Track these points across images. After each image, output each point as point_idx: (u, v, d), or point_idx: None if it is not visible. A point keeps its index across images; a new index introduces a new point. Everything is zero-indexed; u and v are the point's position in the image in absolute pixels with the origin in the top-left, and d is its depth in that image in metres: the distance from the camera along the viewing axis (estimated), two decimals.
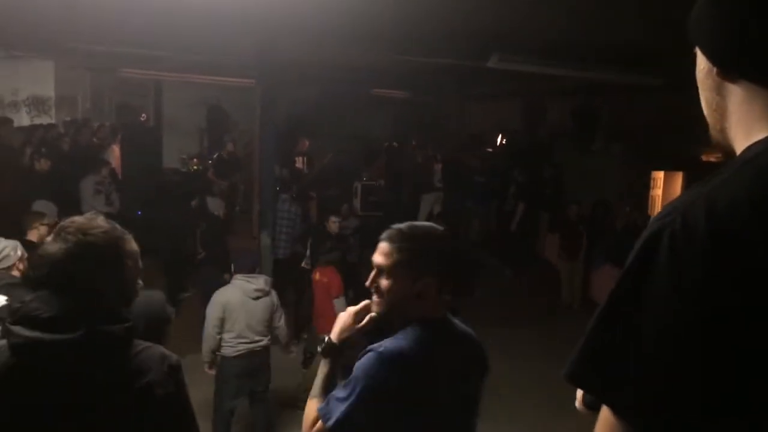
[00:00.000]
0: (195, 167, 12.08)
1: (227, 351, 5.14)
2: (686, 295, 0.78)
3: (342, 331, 2.04)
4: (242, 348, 5.12)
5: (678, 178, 11.77)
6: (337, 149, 12.09)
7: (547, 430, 5.94)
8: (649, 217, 10.86)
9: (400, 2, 5.51)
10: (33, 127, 10.64)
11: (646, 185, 11.63)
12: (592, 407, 2.02)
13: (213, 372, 5.25)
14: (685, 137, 10.38)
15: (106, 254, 1.58)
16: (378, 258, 1.93)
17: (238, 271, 5.32)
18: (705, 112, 1.00)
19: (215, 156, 11.91)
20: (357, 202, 11.08)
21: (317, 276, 6.46)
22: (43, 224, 5.57)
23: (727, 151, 0.98)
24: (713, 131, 0.99)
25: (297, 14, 6.04)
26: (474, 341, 2.06)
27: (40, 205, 6.79)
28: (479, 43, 7.03)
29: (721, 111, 0.96)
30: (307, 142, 11.30)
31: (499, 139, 14.10)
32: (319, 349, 2.06)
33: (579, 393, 2.25)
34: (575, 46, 7.09)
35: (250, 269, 5.35)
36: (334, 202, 10.37)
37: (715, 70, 0.95)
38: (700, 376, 0.77)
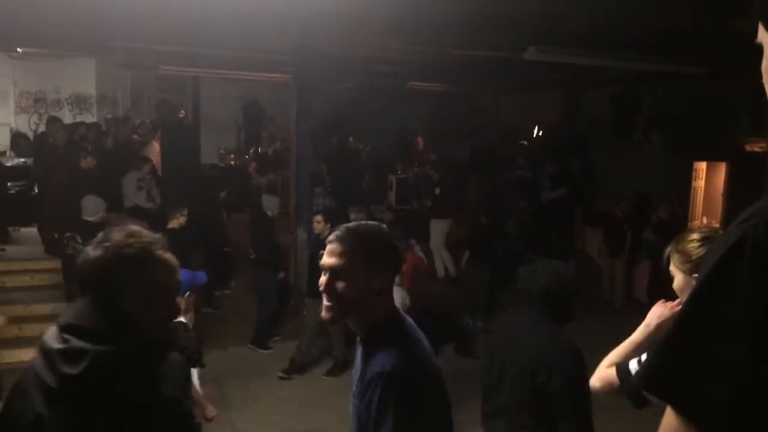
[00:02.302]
0: (232, 162, 12.24)
1: None
2: None
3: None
4: None
5: (721, 169, 11.50)
6: (373, 143, 12.12)
7: None
8: (686, 209, 10.61)
9: None
10: (75, 125, 10.88)
11: (688, 176, 11.37)
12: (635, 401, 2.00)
13: None
14: (729, 126, 10.16)
15: (138, 268, 1.55)
16: (330, 260, 1.88)
17: None
18: None
19: (253, 151, 12.02)
20: (392, 196, 11.09)
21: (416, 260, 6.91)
22: (182, 215, 6.85)
23: None
24: None
25: (332, 9, 6.05)
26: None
27: (88, 200, 6.95)
28: (516, 35, 6.95)
29: None
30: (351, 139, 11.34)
31: (535, 132, 13.95)
32: None
33: (605, 374, 2.22)
34: (614, 35, 6.96)
35: None
36: (369, 195, 10.41)
37: None
38: None
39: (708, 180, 11.72)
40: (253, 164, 11.31)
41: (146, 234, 1.62)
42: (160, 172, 9.90)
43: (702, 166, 11.62)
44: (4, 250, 8.55)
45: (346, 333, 7.02)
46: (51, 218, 8.12)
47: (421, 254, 8.25)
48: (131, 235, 1.58)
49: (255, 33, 7.55)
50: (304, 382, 6.98)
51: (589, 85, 12.17)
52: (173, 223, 6.95)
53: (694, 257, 2.10)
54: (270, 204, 8.12)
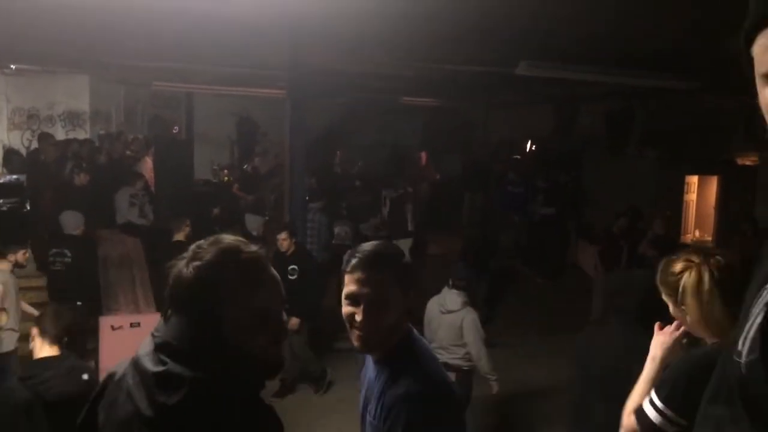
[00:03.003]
0: (226, 178, 12.24)
1: None
2: None
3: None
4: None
5: (713, 183, 11.57)
6: (366, 159, 12.16)
7: None
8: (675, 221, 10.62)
9: (429, 11, 5.52)
10: (67, 142, 10.86)
11: (680, 190, 11.44)
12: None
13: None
14: (720, 140, 10.24)
15: (240, 289, 1.38)
16: (364, 289, 1.79)
17: (451, 281, 5.25)
18: None
19: (241, 170, 12.05)
20: (385, 211, 11.11)
21: None
22: (187, 225, 6.92)
23: None
24: None
25: (326, 25, 6.07)
26: None
27: (67, 215, 6.93)
28: (508, 50, 6.99)
29: None
30: (337, 153, 11.36)
31: (528, 146, 14.02)
32: None
33: (627, 423, 2.19)
34: (606, 51, 7.01)
35: (459, 284, 5.23)
36: (364, 211, 10.41)
37: None
38: None
39: (700, 194, 11.79)
40: (236, 184, 11.24)
41: (244, 247, 1.43)
42: (153, 188, 9.88)
43: (693, 179, 11.70)
44: None
45: (310, 342, 6.97)
46: (43, 235, 8.08)
47: None
48: (228, 251, 1.41)
49: (248, 49, 7.57)
50: (296, 400, 6.90)
51: (581, 99, 12.25)
52: (179, 236, 6.90)
53: (675, 289, 2.13)
54: (254, 224, 8.03)
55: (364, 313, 1.78)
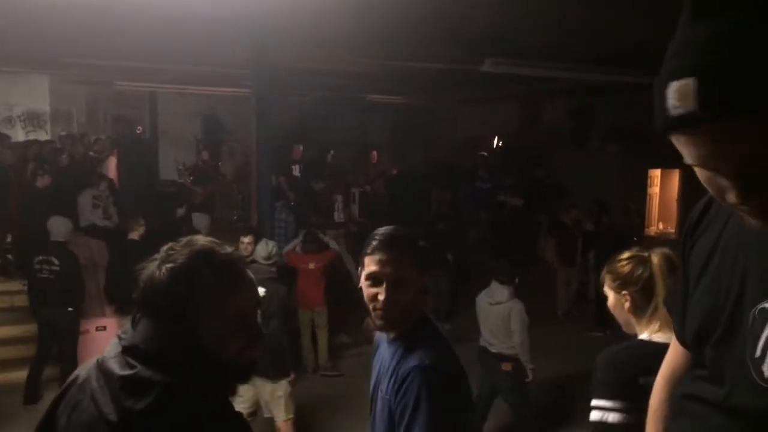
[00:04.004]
0: (191, 178, 12.10)
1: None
2: None
3: None
4: (487, 347, 5.46)
5: (675, 176, 11.79)
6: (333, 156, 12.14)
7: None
8: (640, 215, 10.84)
9: (393, 9, 5.53)
10: (27, 143, 10.63)
11: (644, 183, 11.64)
12: None
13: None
14: None
15: (215, 292, 1.35)
16: (386, 269, 1.87)
17: (498, 276, 5.61)
18: None
19: (193, 165, 11.92)
20: (355, 209, 11.09)
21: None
22: (141, 225, 6.90)
23: None
24: None
25: (291, 23, 6.05)
26: None
27: (57, 221, 6.61)
28: (473, 47, 7.04)
29: None
30: (301, 148, 11.22)
31: (494, 143, 14.12)
32: None
33: None
34: (566, 47, 7.10)
35: (505, 279, 5.56)
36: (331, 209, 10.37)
37: None
38: None
39: (662, 187, 12.00)
40: (190, 179, 11.06)
41: (218, 249, 1.39)
42: (117, 189, 9.73)
43: (656, 173, 11.90)
44: None
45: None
46: (4, 238, 7.92)
47: (337, 248, 8.20)
48: (203, 253, 1.37)
49: (212, 47, 7.51)
50: None
51: (546, 96, 12.38)
52: (134, 235, 6.76)
53: (621, 275, 2.18)
54: (202, 223, 7.87)
55: (387, 292, 1.86)
